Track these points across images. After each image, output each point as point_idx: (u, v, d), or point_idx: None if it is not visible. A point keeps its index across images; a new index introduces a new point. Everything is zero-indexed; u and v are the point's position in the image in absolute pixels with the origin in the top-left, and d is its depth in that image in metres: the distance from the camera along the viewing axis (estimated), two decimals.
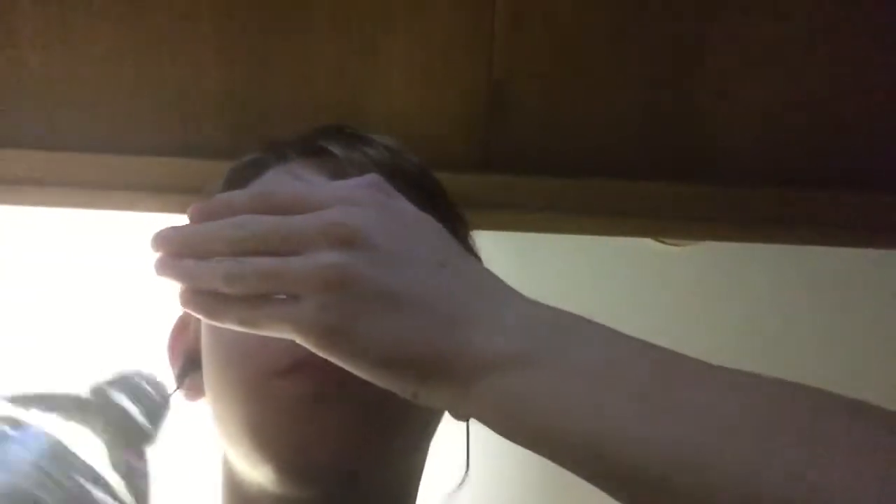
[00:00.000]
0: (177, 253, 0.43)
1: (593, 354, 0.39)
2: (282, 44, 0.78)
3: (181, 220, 0.47)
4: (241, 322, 0.42)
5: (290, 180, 0.54)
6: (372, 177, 0.45)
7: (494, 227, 0.84)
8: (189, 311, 0.43)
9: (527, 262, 1.02)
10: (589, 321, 0.41)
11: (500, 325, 0.40)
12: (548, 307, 0.42)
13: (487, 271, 0.44)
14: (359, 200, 0.42)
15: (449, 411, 0.44)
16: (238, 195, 0.46)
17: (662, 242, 1.01)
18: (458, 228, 0.57)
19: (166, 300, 0.58)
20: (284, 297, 0.41)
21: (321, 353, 0.40)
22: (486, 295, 0.42)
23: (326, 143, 0.57)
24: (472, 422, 0.42)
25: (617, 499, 0.37)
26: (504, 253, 1.02)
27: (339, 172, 0.54)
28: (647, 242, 1.01)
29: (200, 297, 0.43)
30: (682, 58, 0.81)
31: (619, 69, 0.80)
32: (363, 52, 0.78)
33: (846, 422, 0.36)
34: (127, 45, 0.77)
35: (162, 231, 0.44)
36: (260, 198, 0.44)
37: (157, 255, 0.44)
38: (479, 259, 0.59)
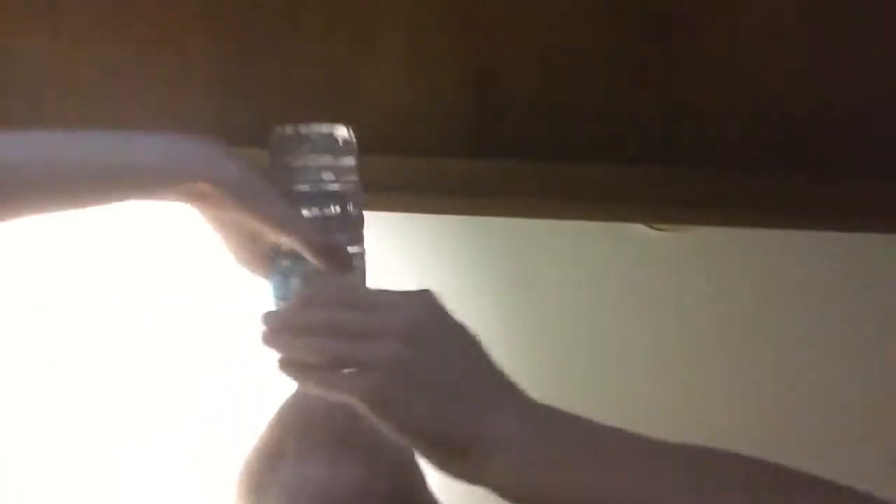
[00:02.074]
0: (279, 329, 0.58)
1: (576, 439, 0.53)
2: (272, 29, 0.78)
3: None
4: (319, 384, 0.56)
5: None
6: (427, 291, 0.58)
7: (485, 213, 0.84)
8: (283, 372, 0.57)
9: (518, 249, 1.02)
10: (573, 415, 0.55)
11: (513, 416, 0.53)
12: (545, 404, 0.55)
13: (504, 374, 0.57)
14: (418, 307, 0.56)
15: (465, 480, 0.55)
16: (327, 289, 0.61)
17: (654, 228, 1.01)
18: None
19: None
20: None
21: (373, 418, 0.53)
22: (503, 393, 0.55)
23: None
24: None
25: None
26: (495, 239, 1.02)
27: None
28: (639, 228, 1.01)
29: (293, 364, 0.57)
30: (674, 42, 0.81)
31: (609, 54, 0.80)
32: (352, 37, 0.78)
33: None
34: (115, 27, 0.76)
35: (271, 312, 0.60)
36: (347, 296, 0.58)
37: (264, 329, 0.58)
38: None
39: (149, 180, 0.55)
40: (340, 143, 0.62)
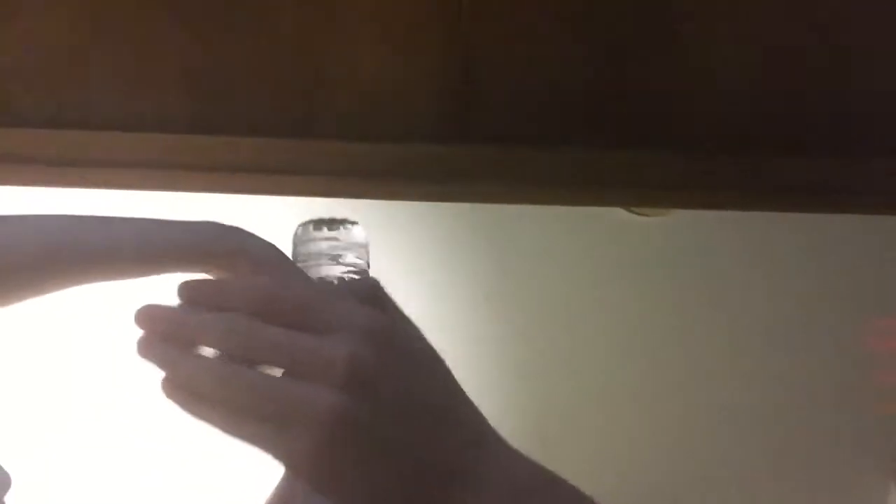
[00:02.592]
0: (162, 335, 0.42)
1: None
2: (244, 13, 0.76)
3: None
4: (228, 431, 0.40)
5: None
6: (373, 286, 0.46)
7: (466, 199, 0.84)
8: (167, 397, 0.41)
9: (498, 233, 1.02)
10: (564, 485, 0.44)
11: (488, 485, 0.42)
12: (531, 465, 0.44)
13: (479, 416, 0.45)
14: (368, 329, 0.41)
15: None
16: (237, 284, 0.46)
17: (633, 212, 1.01)
18: None
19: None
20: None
21: (305, 484, 0.41)
22: (477, 450, 0.43)
23: None
24: None
25: None
26: (476, 224, 1.02)
27: None
28: (618, 212, 1.01)
29: (182, 390, 0.41)
30: (653, 27, 0.80)
31: (590, 38, 0.80)
32: (327, 21, 0.77)
33: None
34: (84, 14, 0.75)
35: (149, 308, 0.43)
36: (261, 297, 0.42)
37: (141, 332, 0.42)
38: None
39: (190, 256, 0.58)
40: (354, 244, 0.69)
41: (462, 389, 0.44)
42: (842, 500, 1.07)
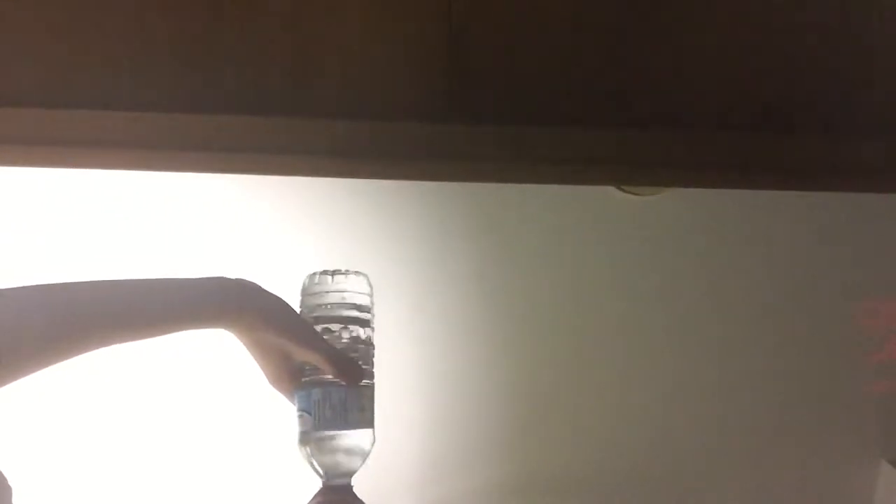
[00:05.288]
0: None
1: None
2: None
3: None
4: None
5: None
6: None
7: (456, 178, 0.83)
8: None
9: (489, 212, 1.02)
10: None
11: None
12: None
13: None
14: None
15: None
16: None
17: (624, 191, 1.02)
18: None
19: None
20: None
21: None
22: None
23: None
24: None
25: None
26: (466, 204, 1.02)
27: None
28: (610, 191, 1.01)
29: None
30: (645, 4, 0.80)
31: (578, 14, 0.79)
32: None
33: None
34: None
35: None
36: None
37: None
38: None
39: (203, 314, 0.66)
40: (360, 293, 0.77)
41: None
42: (833, 475, 1.08)
